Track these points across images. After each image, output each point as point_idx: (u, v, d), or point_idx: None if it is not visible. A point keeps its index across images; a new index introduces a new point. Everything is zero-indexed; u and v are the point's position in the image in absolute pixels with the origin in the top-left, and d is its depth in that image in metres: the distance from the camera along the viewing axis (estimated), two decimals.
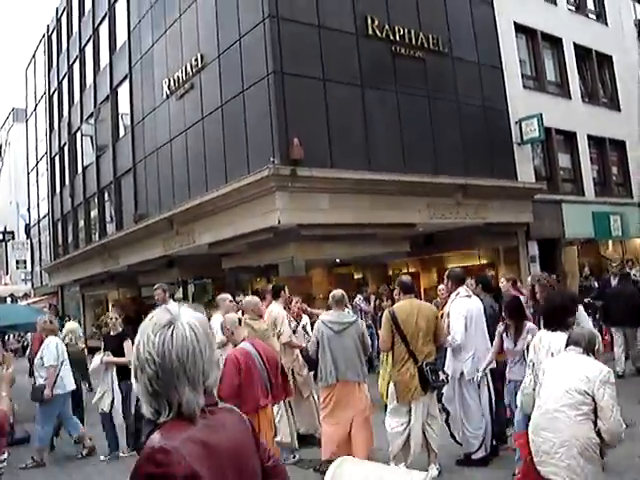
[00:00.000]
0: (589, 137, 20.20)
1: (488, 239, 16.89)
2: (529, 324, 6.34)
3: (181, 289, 20.07)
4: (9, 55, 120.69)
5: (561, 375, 4.04)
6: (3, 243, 41.45)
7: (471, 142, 16.16)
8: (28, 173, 37.83)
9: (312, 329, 7.56)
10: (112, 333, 8.45)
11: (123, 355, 7.99)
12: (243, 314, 6.85)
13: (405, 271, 18.70)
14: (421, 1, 16.00)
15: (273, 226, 12.58)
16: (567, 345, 4.28)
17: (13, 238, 41.00)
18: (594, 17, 22.28)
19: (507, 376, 6.35)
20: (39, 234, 36.06)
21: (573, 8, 21.52)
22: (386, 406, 6.65)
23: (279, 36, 13.45)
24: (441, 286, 9.00)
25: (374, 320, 13.21)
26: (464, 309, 6.57)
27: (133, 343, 1.71)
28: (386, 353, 6.78)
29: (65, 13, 30.21)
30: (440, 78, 16.06)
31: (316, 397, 7.67)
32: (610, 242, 21.00)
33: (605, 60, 21.81)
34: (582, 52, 20.85)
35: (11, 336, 25.69)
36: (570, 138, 19.80)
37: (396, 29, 15.31)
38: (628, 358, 10.86)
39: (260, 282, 17.87)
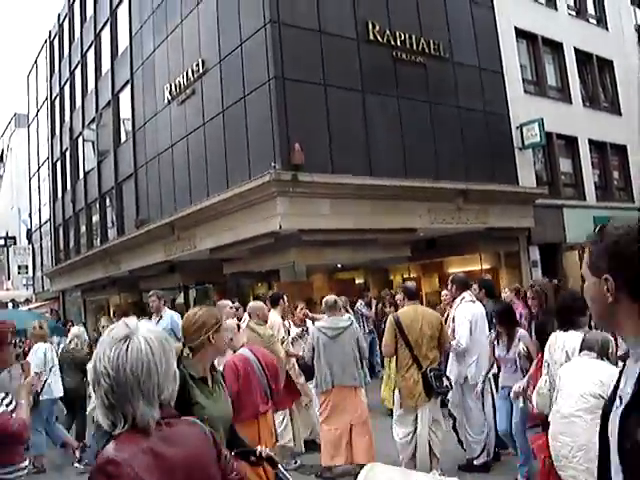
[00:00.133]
0: (590, 142, 20.21)
1: (489, 244, 16.87)
2: (521, 331, 6.26)
3: (182, 294, 20.05)
4: (11, 60, 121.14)
5: (576, 380, 4.07)
6: (5, 248, 41.42)
7: (472, 147, 16.17)
8: (30, 178, 37.84)
9: None
10: None
11: None
12: (240, 320, 6.84)
13: (406, 276, 18.69)
14: (422, 6, 16.04)
15: (274, 231, 12.59)
16: (581, 350, 4.31)
17: (15, 243, 40.97)
18: (595, 22, 22.32)
19: (500, 383, 6.32)
20: (41, 239, 36.05)
21: (574, 13, 21.56)
22: (390, 412, 6.64)
23: (280, 41, 13.49)
24: (444, 292, 8.98)
25: (376, 325, 13.17)
26: (469, 313, 6.58)
27: None
28: (389, 358, 6.78)
29: (67, 19, 30.28)
30: (441, 83, 16.07)
31: (316, 403, 7.66)
32: None
33: (606, 65, 21.84)
34: (583, 57, 20.88)
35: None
36: (571, 143, 19.81)
37: (397, 34, 15.34)
38: None
39: (261, 287, 17.86)
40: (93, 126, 25.38)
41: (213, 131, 15.69)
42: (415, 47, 15.65)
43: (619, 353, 4.32)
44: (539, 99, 18.89)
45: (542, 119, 17.32)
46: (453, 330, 6.62)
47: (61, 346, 10.67)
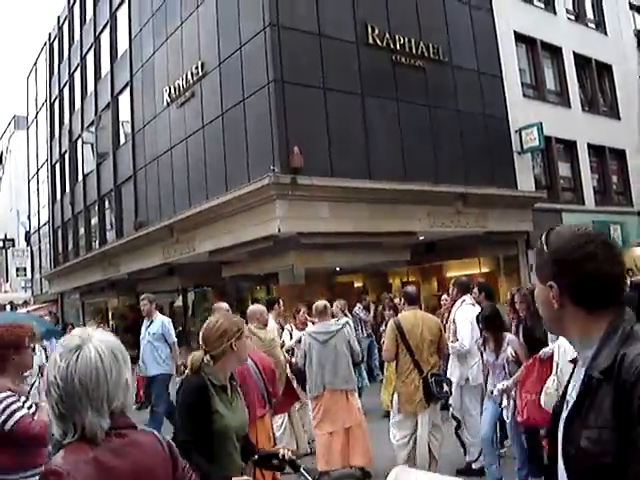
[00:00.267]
0: (589, 146, 20.22)
1: (488, 248, 16.88)
2: (509, 335, 6.10)
3: (181, 297, 20.04)
4: (11, 63, 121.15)
5: None
6: (3, 250, 41.37)
7: (471, 151, 16.17)
8: (29, 180, 37.83)
9: None
10: None
11: None
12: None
13: (405, 280, 18.69)
14: (421, 10, 16.05)
15: (273, 234, 12.58)
16: None
17: (13, 245, 40.93)
18: (594, 26, 22.35)
19: (488, 388, 6.24)
20: (39, 242, 36.03)
21: (573, 17, 21.59)
22: (387, 414, 6.63)
23: (280, 44, 13.49)
24: (444, 296, 8.99)
25: (374, 329, 13.15)
26: (471, 315, 6.59)
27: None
28: (389, 363, 6.77)
29: (67, 21, 30.31)
30: (440, 87, 16.08)
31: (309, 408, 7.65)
32: None
33: (605, 69, 21.86)
34: (582, 61, 20.90)
35: None
36: (570, 147, 19.82)
37: (396, 38, 15.35)
38: None
39: (260, 291, 17.85)
40: (92, 128, 25.37)
41: (212, 134, 15.69)
42: (414, 51, 15.66)
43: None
44: (538, 103, 18.90)
45: (541, 123, 17.33)
46: (454, 332, 6.62)
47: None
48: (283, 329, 8.42)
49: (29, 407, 3.44)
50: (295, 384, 7.45)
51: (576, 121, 19.83)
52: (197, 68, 16.38)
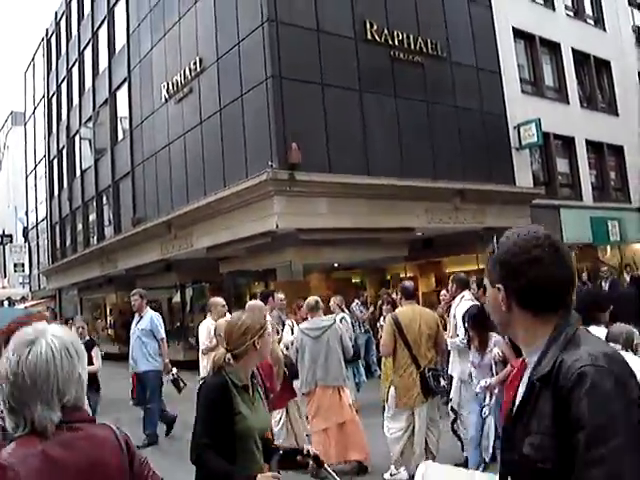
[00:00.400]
0: (587, 142, 20.23)
1: (486, 244, 16.87)
2: (495, 336, 5.83)
3: (179, 293, 20.03)
4: (8, 58, 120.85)
5: None
6: (1, 246, 41.38)
7: (469, 147, 16.17)
8: (26, 176, 37.79)
9: None
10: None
11: (92, 364, 7.95)
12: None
13: (403, 275, 18.69)
14: (420, 6, 16.03)
15: (271, 230, 12.58)
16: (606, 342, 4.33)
17: (11, 241, 40.94)
18: (592, 22, 22.34)
19: (474, 388, 6.22)
20: (37, 237, 36.01)
21: (571, 13, 21.57)
22: (384, 408, 6.64)
23: (278, 40, 13.47)
24: (443, 292, 8.99)
25: (372, 324, 13.16)
26: None
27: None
28: (386, 358, 6.78)
29: (64, 17, 30.24)
30: (438, 83, 16.07)
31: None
32: (608, 247, 21.00)
33: (603, 65, 21.85)
34: (580, 57, 20.90)
35: None
36: (568, 143, 19.83)
37: (395, 34, 15.33)
38: None
39: (258, 287, 17.83)
40: (90, 124, 25.35)
41: (210, 130, 15.67)
42: (413, 46, 15.64)
43: None
44: (536, 99, 18.90)
45: (539, 119, 17.33)
46: (455, 326, 6.63)
47: None
48: (284, 324, 8.43)
49: None
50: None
51: (574, 117, 19.83)
52: (195, 64, 16.35)
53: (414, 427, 6.13)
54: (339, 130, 13.98)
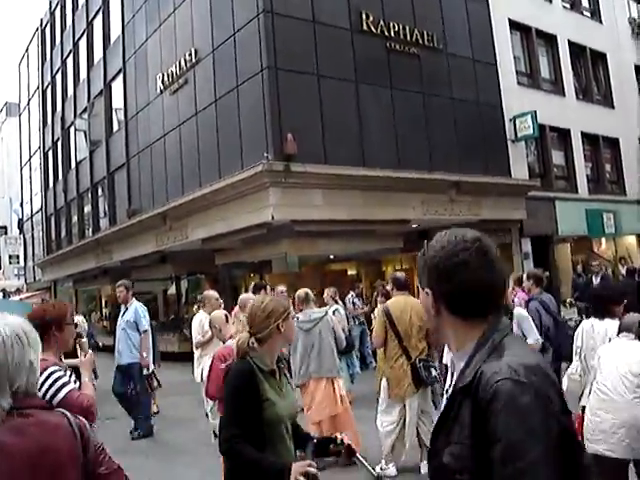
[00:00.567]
0: (583, 134, 20.24)
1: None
2: None
3: (174, 285, 20.01)
4: (2, 49, 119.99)
5: (616, 360, 4.21)
6: None
7: (465, 139, 16.16)
8: (21, 168, 37.63)
9: None
10: None
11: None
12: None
13: (398, 267, 18.70)
14: None
15: (266, 222, 12.57)
16: (619, 332, 4.45)
17: (6, 233, 40.84)
18: (588, 15, 22.30)
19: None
20: (32, 229, 35.92)
21: (568, 5, 21.54)
22: (378, 401, 6.64)
23: (273, 31, 13.42)
24: None
25: (367, 317, 13.18)
26: None
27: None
28: (379, 349, 6.77)
29: (59, 7, 30.02)
30: (434, 74, 16.04)
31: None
32: (603, 239, 21.06)
33: (599, 57, 21.84)
34: (576, 49, 20.88)
35: None
36: (564, 135, 19.84)
37: (391, 25, 15.29)
38: None
39: (253, 278, 17.82)
40: (85, 115, 25.22)
41: (206, 121, 15.62)
42: (409, 38, 15.60)
43: None
44: (532, 91, 18.89)
45: (535, 111, 17.34)
46: None
47: None
48: None
49: (75, 381, 3.46)
50: None
51: (570, 109, 19.83)
52: (190, 55, 16.28)
53: (405, 420, 6.15)
54: (335, 121, 13.95)
